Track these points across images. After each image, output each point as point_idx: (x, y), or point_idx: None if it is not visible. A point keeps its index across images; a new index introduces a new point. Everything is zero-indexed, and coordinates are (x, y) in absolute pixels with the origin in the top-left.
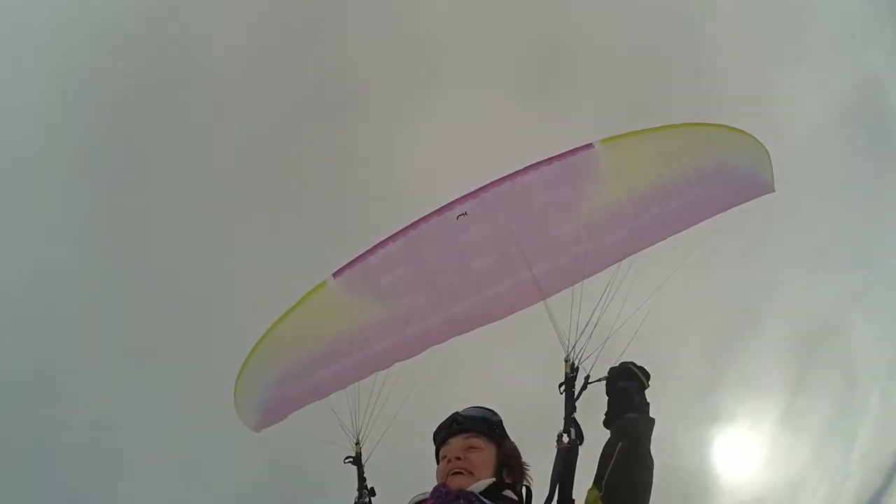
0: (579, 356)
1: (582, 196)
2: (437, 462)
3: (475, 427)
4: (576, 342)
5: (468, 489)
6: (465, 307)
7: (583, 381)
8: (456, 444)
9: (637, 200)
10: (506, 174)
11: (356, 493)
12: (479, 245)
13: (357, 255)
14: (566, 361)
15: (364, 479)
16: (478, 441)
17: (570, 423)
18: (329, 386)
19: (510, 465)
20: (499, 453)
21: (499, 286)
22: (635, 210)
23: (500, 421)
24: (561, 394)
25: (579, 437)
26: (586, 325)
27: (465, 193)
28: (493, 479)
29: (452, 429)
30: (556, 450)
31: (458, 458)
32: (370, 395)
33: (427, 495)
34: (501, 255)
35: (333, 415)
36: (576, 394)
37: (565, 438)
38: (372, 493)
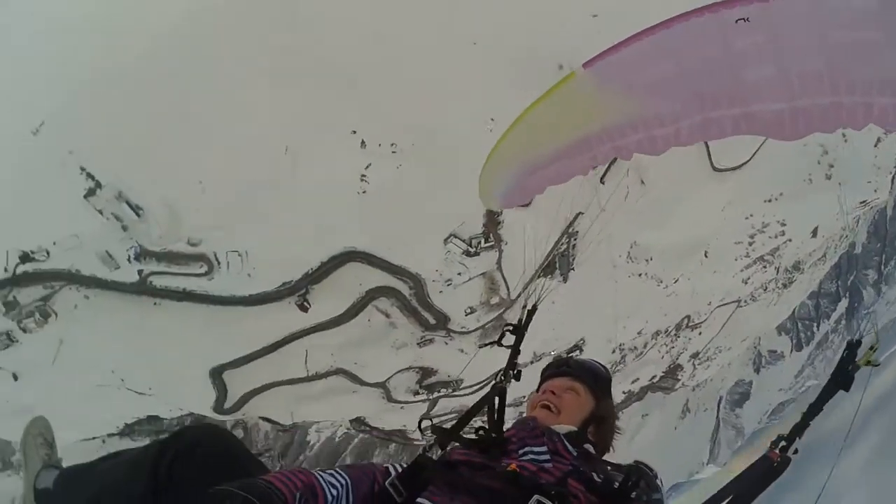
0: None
1: None
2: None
3: (582, 376)
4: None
5: (553, 428)
6: (724, 117)
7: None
8: (558, 382)
9: None
10: None
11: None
12: (756, 55)
13: (610, 46)
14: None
15: (518, 354)
16: (579, 387)
17: (802, 428)
18: (570, 172)
19: (599, 424)
20: (594, 408)
21: (762, 105)
22: None
23: (610, 379)
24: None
25: (793, 453)
26: None
27: None
28: (575, 429)
29: (561, 369)
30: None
31: (553, 394)
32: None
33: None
34: (780, 74)
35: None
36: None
37: (781, 445)
38: (517, 376)
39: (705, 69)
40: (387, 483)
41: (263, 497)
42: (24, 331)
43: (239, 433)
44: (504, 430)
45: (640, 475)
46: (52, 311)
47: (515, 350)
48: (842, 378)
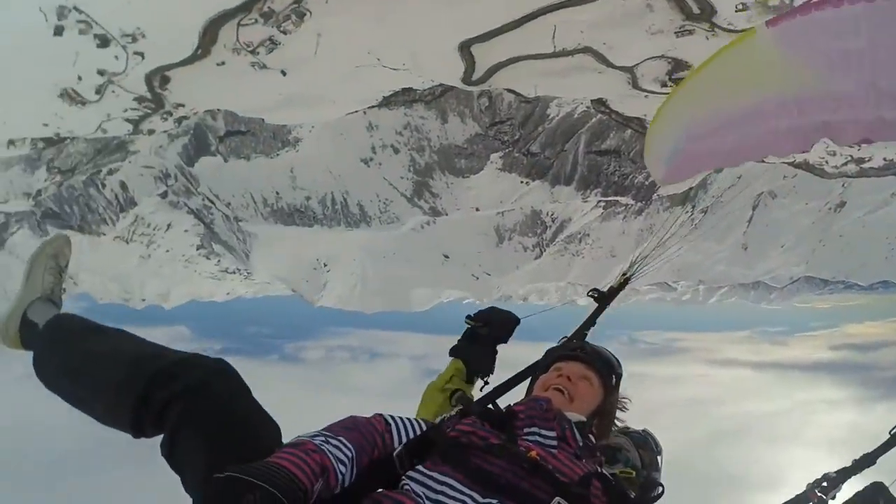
0: None
1: None
2: (543, 373)
3: (597, 364)
4: None
5: (566, 414)
6: None
7: None
8: (575, 367)
9: None
10: None
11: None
12: None
13: (799, 6)
14: None
15: (593, 325)
16: (593, 377)
17: (846, 477)
18: (740, 153)
19: (603, 418)
20: (603, 401)
21: None
22: None
23: (621, 375)
24: (890, 433)
25: (832, 497)
26: None
27: None
28: (584, 419)
29: (576, 353)
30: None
31: (569, 379)
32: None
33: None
34: None
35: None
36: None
37: (823, 486)
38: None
39: None
40: (395, 455)
41: (288, 492)
42: (285, 32)
43: (484, 102)
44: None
45: (653, 485)
46: (306, 10)
47: (591, 320)
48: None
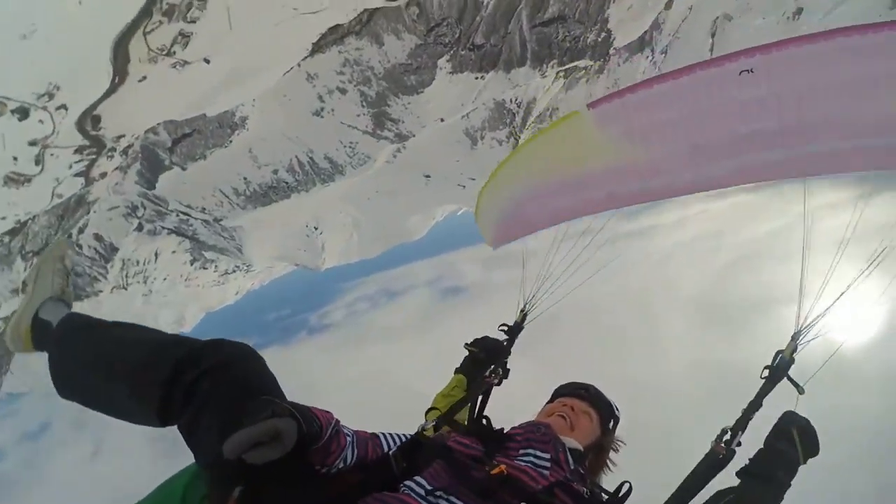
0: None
1: None
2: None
3: (598, 405)
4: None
5: (563, 439)
6: (719, 169)
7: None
8: (578, 404)
9: None
10: (807, 35)
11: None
12: (758, 109)
13: (618, 90)
14: (793, 339)
15: (509, 354)
16: (594, 414)
17: (745, 423)
18: (563, 214)
19: (598, 454)
20: (599, 438)
21: (765, 156)
22: None
23: (619, 419)
24: (761, 378)
25: (737, 444)
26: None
27: (753, 46)
28: (581, 448)
29: (580, 393)
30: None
31: (572, 409)
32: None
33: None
34: (779, 125)
35: (520, 270)
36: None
37: (726, 438)
38: (506, 375)
39: (706, 120)
40: (391, 453)
41: (305, 416)
42: (193, 21)
43: (414, 11)
44: (510, 428)
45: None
46: None
47: (506, 350)
48: (776, 374)
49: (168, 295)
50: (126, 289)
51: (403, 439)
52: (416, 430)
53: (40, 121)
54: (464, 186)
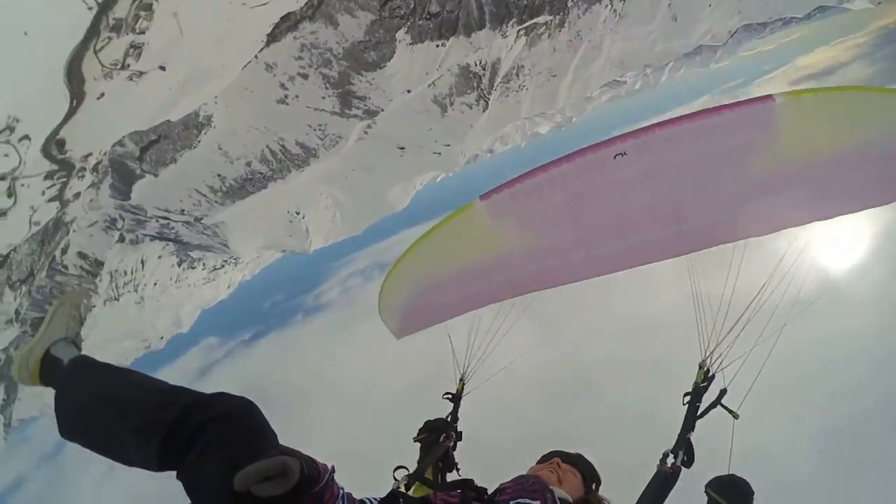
0: (718, 362)
1: (752, 151)
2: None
3: (582, 467)
4: (716, 345)
5: (551, 488)
6: (610, 250)
7: (717, 395)
8: (563, 464)
9: (814, 166)
10: (670, 119)
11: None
12: (633, 189)
13: (506, 181)
14: (700, 367)
15: (456, 420)
16: (579, 474)
17: (683, 443)
18: (464, 305)
19: None
20: (585, 494)
21: (647, 234)
22: (809, 177)
23: (600, 482)
24: (683, 405)
25: (688, 461)
26: (735, 323)
27: (626, 132)
28: (570, 499)
29: (564, 457)
30: (656, 469)
31: (559, 466)
32: (487, 333)
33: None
34: (655, 203)
35: (449, 344)
36: (700, 410)
37: (670, 460)
38: (459, 437)
39: (589, 202)
40: None
41: (306, 460)
42: (142, 32)
43: None
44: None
45: None
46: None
47: (454, 416)
48: (697, 398)
49: (160, 299)
50: (118, 300)
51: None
52: (390, 490)
53: (5, 154)
54: (439, 154)
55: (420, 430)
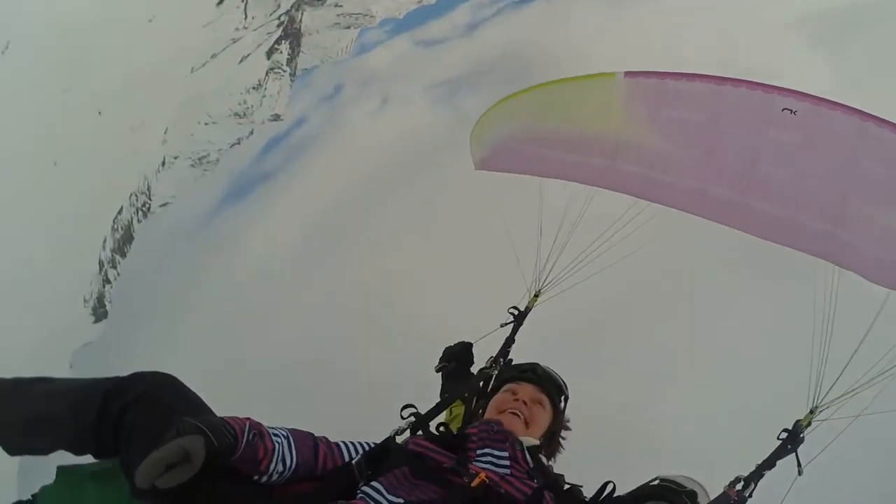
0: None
1: None
2: (489, 391)
3: (548, 387)
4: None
5: (521, 438)
6: (720, 197)
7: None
8: (528, 390)
9: None
10: (861, 110)
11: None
12: (781, 152)
13: (661, 71)
14: (811, 412)
15: (513, 342)
16: (545, 399)
17: (758, 477)
18: (559, 170)
19: (552, 438)
20: (552, 422)
21: (767, 206)
22: None
23: (567, 397)
24: (778, 439)
25: (749, 494)
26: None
27: (802, 91)
28: (538, 443)
29: (527, 376)
30: (722, 491)
31: (525, 404)
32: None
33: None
34: (793, 180)
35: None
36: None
37: (739, 486)
38: (509, 364)
39: (730, 140)
40: (353, 462)
41: (214, 429)
42: None
43: None
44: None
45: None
46: None
47: (511, 338)
48: (792, 442)
49: None
50: None
51: (364, 445)
52: (388, 435)
53: None
54: None
55: (440, 359)
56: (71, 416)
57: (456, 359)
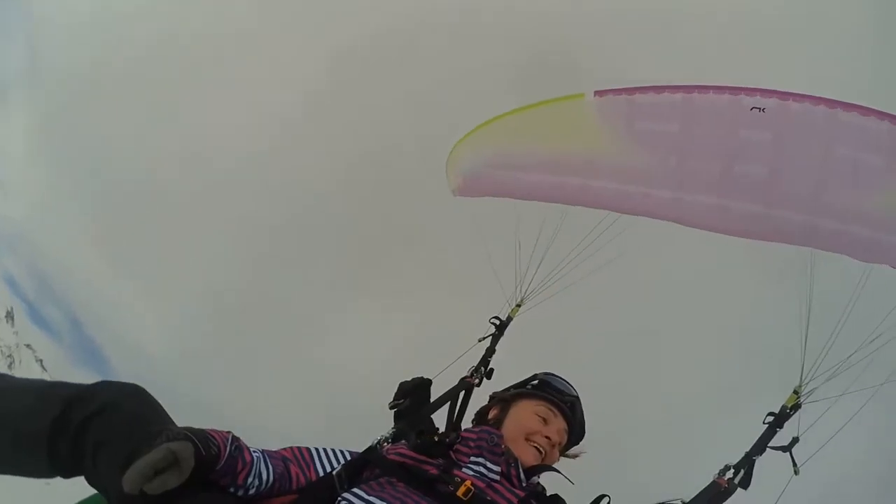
0: (810, 394)
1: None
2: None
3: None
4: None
5: (515, 455)
6: (699, 203)
7: (790, 442)
8: (560, 427)
9: None
10: (827, 98)
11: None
12: (754, 151)
13: (629, 87)
14: (795, 393)
15: (493, 353)
16: (565, 441)
17: (748, 463)
18: (536, 192)
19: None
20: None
21: (748, 206)
22: None
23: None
24: (763, 423)
25: (746, 482)
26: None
27: (768, 89)
28: (535, 464)
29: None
30: (711, 481)
31: (550, 440)
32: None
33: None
34: (769, 178)
35: (491, 266)
36: (771, 441)
37: (729, 474)
38: (489, 375)
39: (704, 146)
40: (334, 473)
41: (200, 438)
42: None
43: None
44: (463, 429)
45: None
46: None
47: (491, 348)
48: (778, 422)
49: None
50: None
51: (344, 455)
52: (370, 444)
53: None
54: None
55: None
56: (23, 417)
57: (411, 396)
